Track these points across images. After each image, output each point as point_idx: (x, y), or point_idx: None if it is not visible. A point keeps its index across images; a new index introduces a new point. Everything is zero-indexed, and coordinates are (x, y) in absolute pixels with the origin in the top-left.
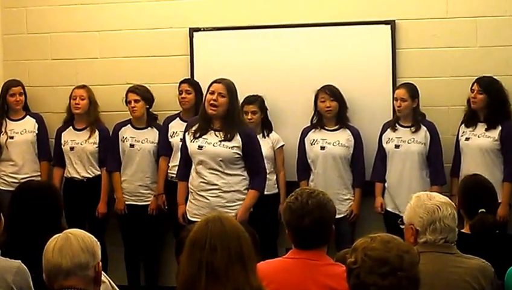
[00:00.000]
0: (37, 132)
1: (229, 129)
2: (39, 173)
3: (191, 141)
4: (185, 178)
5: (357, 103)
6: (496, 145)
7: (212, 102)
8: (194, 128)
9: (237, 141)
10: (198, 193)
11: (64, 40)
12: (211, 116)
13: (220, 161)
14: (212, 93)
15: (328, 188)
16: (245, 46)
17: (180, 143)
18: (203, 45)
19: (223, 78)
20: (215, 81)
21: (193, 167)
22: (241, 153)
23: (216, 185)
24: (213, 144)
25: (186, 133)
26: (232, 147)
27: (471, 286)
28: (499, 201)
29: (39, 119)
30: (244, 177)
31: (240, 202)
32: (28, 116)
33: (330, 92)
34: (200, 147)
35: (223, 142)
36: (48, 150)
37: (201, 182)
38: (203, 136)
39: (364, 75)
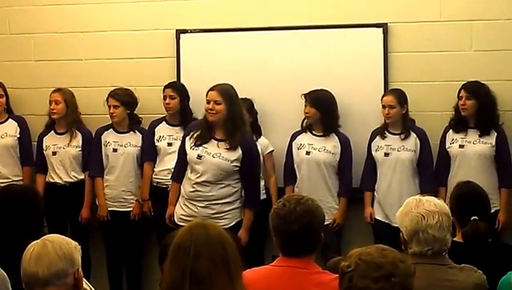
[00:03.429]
0: (18, 135)
1: (231, 139)
2: (21, 178)
3: (191, 148)
4: (179, 180)
5: (348, 108)
6: (493, 151)
7: (209, 111)
8: (196, 134)
9: (238, 153)
10: (189, 200)
11: (48, 41)
12: (212, 123)
13: (220, 173)
14: (208, 102)
15: (312, 194)
16: (233, 49)
17: (167, 147)
18: (189, 47)
19: (219, 83)
20: (210, 89)
21: (188, 171)
22: (239, 166)
23: (207, 196)
24: (213, 155)
25: (187, 138)
26: (232, 161)
27: None
28: (498, 208)
29: (22, 123)
30: (236, 189)
31: (228, 213)
32: (10, 120)
33: (310, 98)
34: (199, 157)
35: (223, 155)
36: (31, 154)
37: (192, 191)
38: (204, 145)
39: (355, 79)
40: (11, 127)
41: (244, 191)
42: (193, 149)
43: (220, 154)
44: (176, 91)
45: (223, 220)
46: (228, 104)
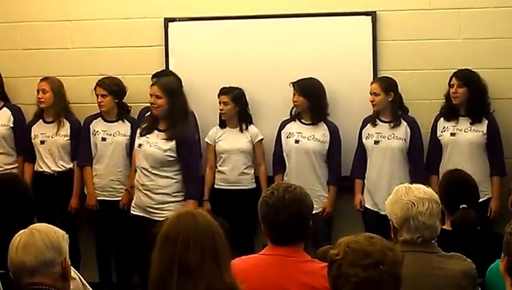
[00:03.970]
0: (12, 125)
1: (170, 130)
2: (14, 166)
3: (137, 137)
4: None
5: (337, 96)
6: (484, 139)
7: (152, 105)
8: (144, 125)
9: (172, 143)
10: (136, 189)
11: (35, 29)
12: (156, 116)
13: (155, 162)
14: (151, 96)
15: (301, 183)
16: (221, 37)
17: None
18: (178, 35)
19: (162, 78)
20: (152, 83)
21: None
22: (175, 156)
23: (146, 185)
24: (150, 144)
25: (139, 127)
26: (166, 150)
27: None
28: (490, 195)
29: (16, 112)
30: (176, 180)
31: (170, 205)
32: (4, 108)
33: (298, 86)
34: (139, 145)
35: (159, 144)
36: (26, 144)
37: (137, 179)
38: (147, 135)
39: (344, 67)
40: (4, 116)
41: (183, 179)
42: (138, 138)
43: (156, 143)
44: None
45: (164, 212)
46: (169, 98)
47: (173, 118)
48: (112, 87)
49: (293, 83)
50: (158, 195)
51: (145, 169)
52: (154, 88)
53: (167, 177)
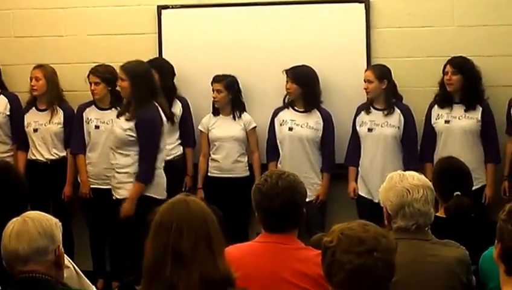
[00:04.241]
0: (8, 113)
1: (133, 111)
2: (9, 154)
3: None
4: None
5: (331, 84)
6: (479, 126)
7: (119, 88)
8: (121, 108)
9: (132, 123)
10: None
11: (27, 16)
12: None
13: (116, 140)
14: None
15: (295, 171)
16: (215, 25)
17: None
18: (171, 22)
19: (129, 61)
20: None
21: None
22: (135, 137)
23: (113, 164)
24: (116, 125)
25: None
26: (126, 130)
27: (447, 280)
28: (484, 183)
29: (13, 99)
30: (134, 161)
31: (127, 184)
32: (1, 96)
33: (292, 74)
34: (107, 124)
35: (121, 124)
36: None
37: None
38: (119, 117)
39: (338, 55)
40: (1, 104)
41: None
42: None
43: (120, 123)
44: (154, 68)
45: (124, 191)
46: (131, 81)
47: (136, 100)
48: (105, 75)
49: (286, 71)
50: (120, 174)
51: (111, 148)
52: (119, 70)
53: (128, 156)
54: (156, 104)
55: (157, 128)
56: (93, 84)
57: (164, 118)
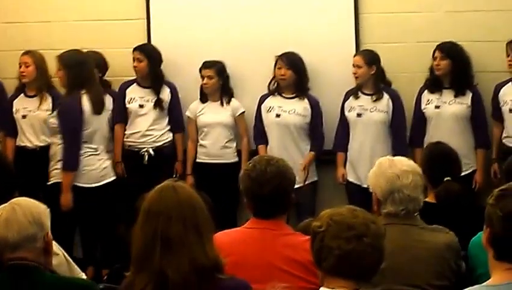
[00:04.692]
0: None
1: (60, 98)
2: None
3: None
4: None
5: (319, 70)
6: (469, 112)
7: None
8: None
9: (55, 113)
10: None
11: (14, 3)
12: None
13: (46, 127)
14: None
15: (283, 157)
16: (204, 11)
17: (139, 109)
18: (160, 8)
19: (66, 50)
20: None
21: None
22: (56, 124)
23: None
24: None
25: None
26: (50, 117)
27: (436, 266)
28: (475, 168)
29: None
30: (58, 148)
31: (56, 171)
32: None
33: (287, 60)
34: None
35: (50, 111)
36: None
37: None
38: None
39: (326, 41)
40: None
41: None
42: None
43: (47, 110)
44: (143, 53)
45: (52, 178)
46: (64, 71)
47: (66, 89)
48: (98, 61)
49: (280, 56)
50: (51, 161)
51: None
52: (56, 61)
53: (53, 143)
54: (81, 93)
55: (73, 115)
56: None
57: (87, 107)
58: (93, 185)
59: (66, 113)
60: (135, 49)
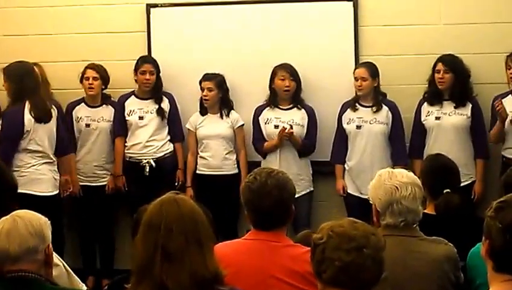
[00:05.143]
0: None
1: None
2: None
3: None
4: None
5: (318, 82)
6: (469, 123)
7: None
8: None
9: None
10: None
11: (15, 15)
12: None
13: None
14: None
15: (283, 168)
16: (203, 23)
17: (139, 121)
18: (160, 21)
19: (12, 62)
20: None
21: None
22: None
23: None
24: None
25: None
26: None
27: (435, 277)
28: (474, 179)
29: None
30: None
31: None
32: None
33: (291, 71)
34: None
35: None
36: None
37: None
38: None
39: (326, 53)
40: None
41: None
42: None
43: None
44: (153, 66)
45: None
46: (8, 82)
47: (10, 99)
48: (103, 73)
49: (283, 67)
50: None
51: None
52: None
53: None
54: (25, 104)
55: (12, 125)
56: (91, 79)
57: (28, 117)
58: (42, 194)
59: (5, 123)
60: (147, 61)
